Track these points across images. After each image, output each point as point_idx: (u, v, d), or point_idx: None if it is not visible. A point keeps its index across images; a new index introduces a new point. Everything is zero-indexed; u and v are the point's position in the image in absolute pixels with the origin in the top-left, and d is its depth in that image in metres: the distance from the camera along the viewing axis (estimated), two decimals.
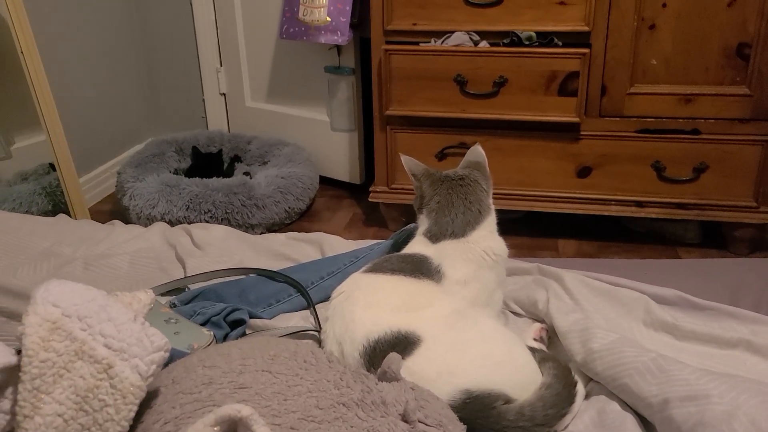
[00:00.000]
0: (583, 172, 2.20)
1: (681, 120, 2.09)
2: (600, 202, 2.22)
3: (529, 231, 2.38)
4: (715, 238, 2.26)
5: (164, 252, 1.50)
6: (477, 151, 1.25)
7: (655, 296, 1.22)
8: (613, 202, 2.21)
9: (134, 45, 3.06)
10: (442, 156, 2.28)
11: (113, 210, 2.72)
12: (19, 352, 0.75)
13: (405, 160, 1.26)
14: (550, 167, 2.22)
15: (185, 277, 1.37)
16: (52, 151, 2.26)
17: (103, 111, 2.88)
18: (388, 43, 2.20)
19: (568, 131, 2.16)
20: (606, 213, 2.23)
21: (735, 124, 2.06)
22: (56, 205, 2.35)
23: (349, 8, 2.42)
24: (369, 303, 1.04)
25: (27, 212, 2.27)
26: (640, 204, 2.19)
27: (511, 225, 2.35)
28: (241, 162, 2.86)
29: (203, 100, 3.12)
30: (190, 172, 2.72)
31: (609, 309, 1.20)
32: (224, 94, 3.10)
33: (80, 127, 2.68)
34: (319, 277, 1.33)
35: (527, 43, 2.07)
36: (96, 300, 0.80)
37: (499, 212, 1.25)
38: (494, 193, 1.26)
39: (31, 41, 2.14)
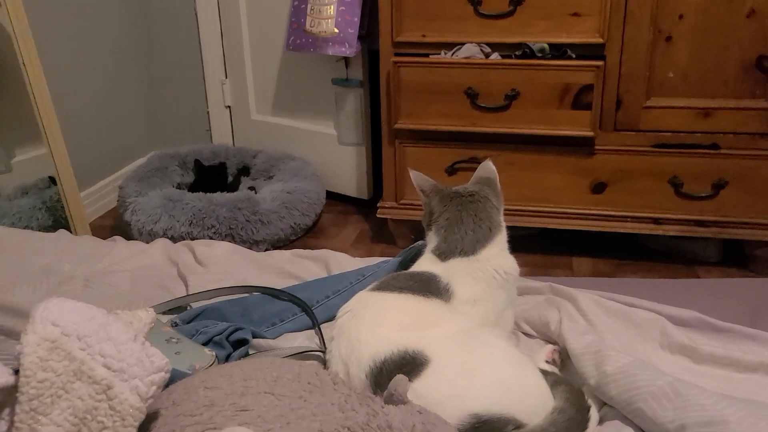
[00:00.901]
0: (598, 187, 2.20)
1: (699, 134, 2.09)
2: (615, 219, 2.22)
3: (542, 248, 2.38)
4: (736, 257, 2.25)
5: (166, 269, 1.52)
6: (488, 167, 1.26)
7: (671, 317, 1.22)
8: (629, 219, 2.21)
9: (138, 56, 3.09)
10: (452, 171, 2.28)
11: (114, 225, 2.74)
12: (16, 371, 0.76)
13: (414, 175, 1.27)
14: (563, 182, 2.22)
15: (187, 295, 1.38)
16: (53, 164, 2.28)
17: (105, 123, 2.91)
18: (397, 55, 2.22)
19: (582, 146, 2.17)
20: (622, 230, 2.22)
21: (755, 139, 2.05)
22: (57, 219, 2.37)
23: (357, 20, 2.45)
24: (376, 322, 1.05)
25: (27, 227, 2.29)
26: (657, 221, 2.19)
27: (524, 242, 2.34)
28: (249, 175, 2.87)
29: (208, 112, 3.15)
30: (193, 187, 2.74)
31: (624, 330, 1.20)
32: (229, 107, 3.13)
33: (82, 140, 2.71)
34: (325, 295, 1.34)
35: (540, 55, 2.08)
36: (96, 319, 0.81)
37: (511, 229, 1.25)
38: (506, 209, 1.27)
39: (33, 53, 2.17)
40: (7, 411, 0.75)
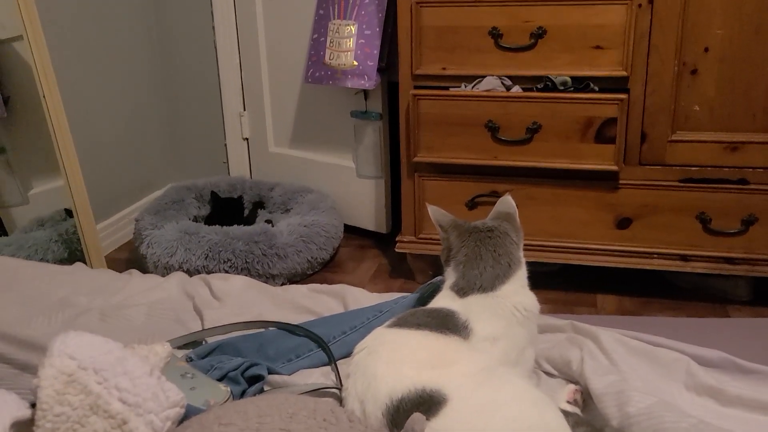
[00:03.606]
0: (623, 223, 2.21)
1: (727, 169, 2.09)
2: (641, 256, 2.21)
3: (565, 285, 2.37)
4: None
5: (182, 303, 1.54)
6: (507, 202, 1.28)
7: (697, 357, 1.21)
8: (655, 256, 2.20)
9: (156, 88, 3.17)
10: (472, 204, 2.30)
11: (130, 258, 2.78)
12: (33, 405, 0.78)
13: (432, 210, 1.29)
14: (587, 217, 2.23)
15: (203, 330, 1.40)
16: (70, 197, 2.33)
17: (123, 155, 2.98)
18: (416, 87, 2.25)
19: (605, 180, 2.18)
20: (648, 267, 2.22)
21: None
22: (72, 252, 2.42)
23: (376, 52, 2.49)
24: (393, 359, 1.06)
25: (42, 259, 2.33)
26: (684, 258, 2.18)
27: (547, 278, 2.35)
28: (265, 208, 2.91)
29: (225, 144, 3.20)
30: (209, 219, 2.77)
31: (647, 370, 1.20)
32: (247, 139, 3.18)
33: (99, 172, 2.76)
34: (342, 331, 1.35)
35: (562, 88, 2.11)
36: (112, 352, 0.83)
37: (534, 265, 1.26)
38: (528, 245, 1.28)
39: (54, 86, 2.23)
40: None
